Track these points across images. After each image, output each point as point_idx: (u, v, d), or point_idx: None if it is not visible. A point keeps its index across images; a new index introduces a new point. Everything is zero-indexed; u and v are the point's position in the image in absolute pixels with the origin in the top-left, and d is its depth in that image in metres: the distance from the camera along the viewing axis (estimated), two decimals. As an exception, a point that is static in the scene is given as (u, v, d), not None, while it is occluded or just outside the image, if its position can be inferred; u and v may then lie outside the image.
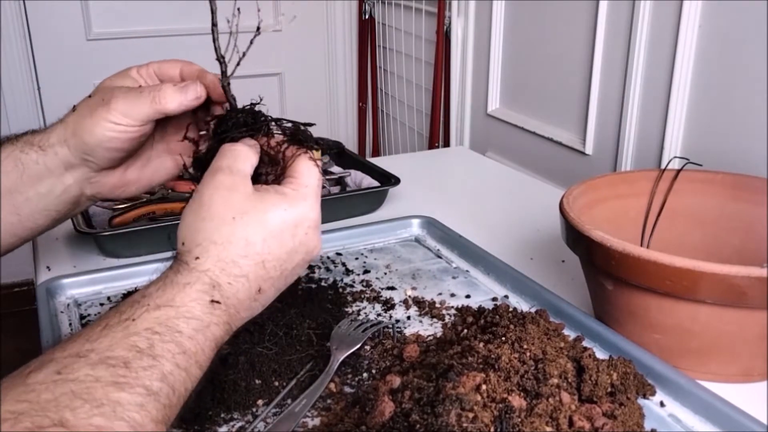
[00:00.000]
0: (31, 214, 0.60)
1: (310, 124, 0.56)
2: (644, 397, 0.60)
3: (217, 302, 0.47)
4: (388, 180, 1.06)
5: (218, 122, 0.56)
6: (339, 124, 2.43)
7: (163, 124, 0.62)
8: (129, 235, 0.88)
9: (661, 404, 0.60)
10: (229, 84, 0.56)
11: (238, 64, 0.55)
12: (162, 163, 0.64)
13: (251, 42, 0.54)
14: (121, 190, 0.64)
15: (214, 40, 0.55)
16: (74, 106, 0.60)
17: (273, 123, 0.56)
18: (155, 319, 0.44)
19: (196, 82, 0.58)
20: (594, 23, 1.21)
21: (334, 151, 1.21)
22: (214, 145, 0.54)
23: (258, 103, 0.56)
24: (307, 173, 0.53)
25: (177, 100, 0.56)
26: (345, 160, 1.19)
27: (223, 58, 0.55)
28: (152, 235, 0.88)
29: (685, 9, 1.01)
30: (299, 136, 0.55)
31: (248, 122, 0.55)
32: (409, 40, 1.94)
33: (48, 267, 0.86)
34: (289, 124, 0.56)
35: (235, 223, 0.49)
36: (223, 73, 0.56)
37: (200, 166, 0.56)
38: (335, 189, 1.11)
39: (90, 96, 0.60)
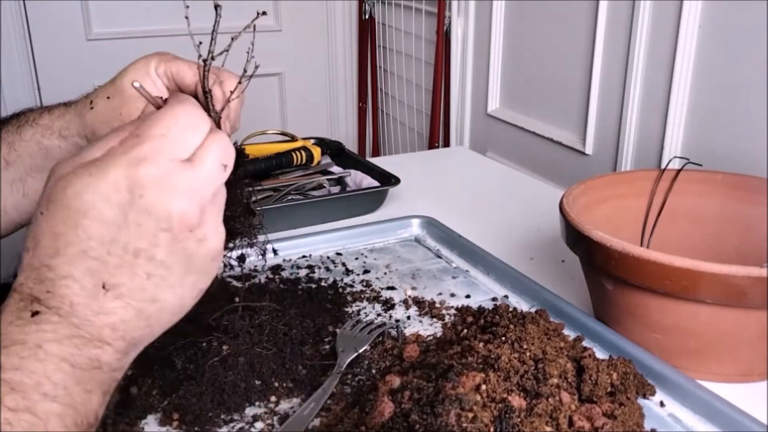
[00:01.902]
0: None
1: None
2: (644, 397, 0.60)
3: (37, 312, 0.38)
4: (388, 180, 1.06)
5: None
6: (339, 124, 2.42)
7: None
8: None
9: (661, 404, 0.60)
10: (220, 118, 0.55)
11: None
12: None
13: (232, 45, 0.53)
14: None
15: (203, 78, 0.54)
16: (91, 101, 0.63)
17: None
18: None
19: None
20: (594, 23, 1.21)
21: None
22: None
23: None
24: (154, 119, 0.43)
25: None
26: (345, 160, 1.19)
27: (210, 91, 0.53)
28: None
29: (685, 9, 1.01)
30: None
31: None
32: (409, 40, 1.93)
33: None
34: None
35: (41, 218, 0.40)
36: (212, 105, 0.54)
37: None
38: (335, 189, 1.11)
39: (108, 97, 0.62)
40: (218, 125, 0.54)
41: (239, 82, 0.56)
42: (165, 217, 0.40)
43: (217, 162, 0.43)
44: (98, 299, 0.39)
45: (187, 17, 0.52)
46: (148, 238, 0.40)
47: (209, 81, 0.54)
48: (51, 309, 0.38)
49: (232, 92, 0.55)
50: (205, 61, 0.52)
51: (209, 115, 0.54)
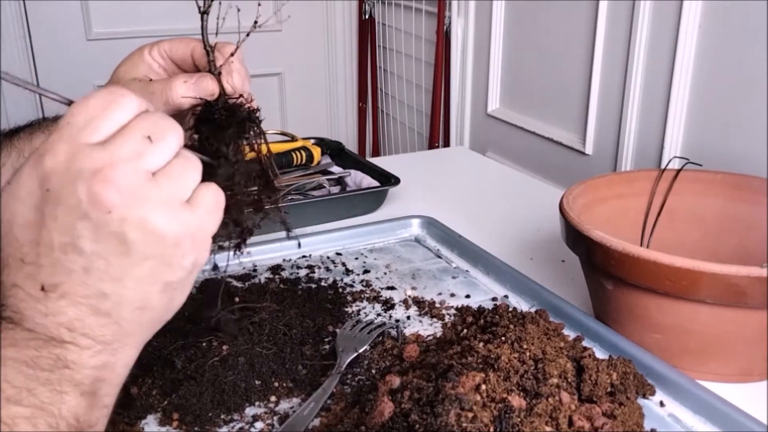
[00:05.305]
0: None
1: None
2: (644, 396, 0.60)
3: None
4: (388, 180, 1.06)
5: (201, 112, 0.53)
6: (339, 124, 2.42)
7: None
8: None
9: (661, 404, 0.60)
10: (220, 73, 0.54)
11: (233, 53, 0.54)
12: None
13: (247, 34, 0.53)
14: None
15: (203, 28, 0.54)
16: None
17: (253, 129, 0.52)
18: None
19: (207, 75, 0.54)
20: (594, 23, 1.21)
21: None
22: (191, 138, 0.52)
23: (250, 108, 0.53)
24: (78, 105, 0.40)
25: (189, 99, 0.53)
26: (345, 160, 1.19)
27: (212, 47, 0.53)
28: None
29: (685, 9, 1.01)
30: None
31: (226, 120, 0.52)
32: (409, 40, 1.93)
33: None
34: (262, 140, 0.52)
35: None
36: (212, 62, 0.53)
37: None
38: (335, 189, 1.11)
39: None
40: (219, 82, 0.53)
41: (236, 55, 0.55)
42: (75, 204, 0.37)
43: (137, 137, 0.39)
44: (42, 301, 0.38)
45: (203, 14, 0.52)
46: (68, 230, 0.37)
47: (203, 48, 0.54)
48: (5, 319, 0.38)
49: (237, 47, 0.54)
50: (202, 16, 0.52)
51: (211, 71, 0.53)
